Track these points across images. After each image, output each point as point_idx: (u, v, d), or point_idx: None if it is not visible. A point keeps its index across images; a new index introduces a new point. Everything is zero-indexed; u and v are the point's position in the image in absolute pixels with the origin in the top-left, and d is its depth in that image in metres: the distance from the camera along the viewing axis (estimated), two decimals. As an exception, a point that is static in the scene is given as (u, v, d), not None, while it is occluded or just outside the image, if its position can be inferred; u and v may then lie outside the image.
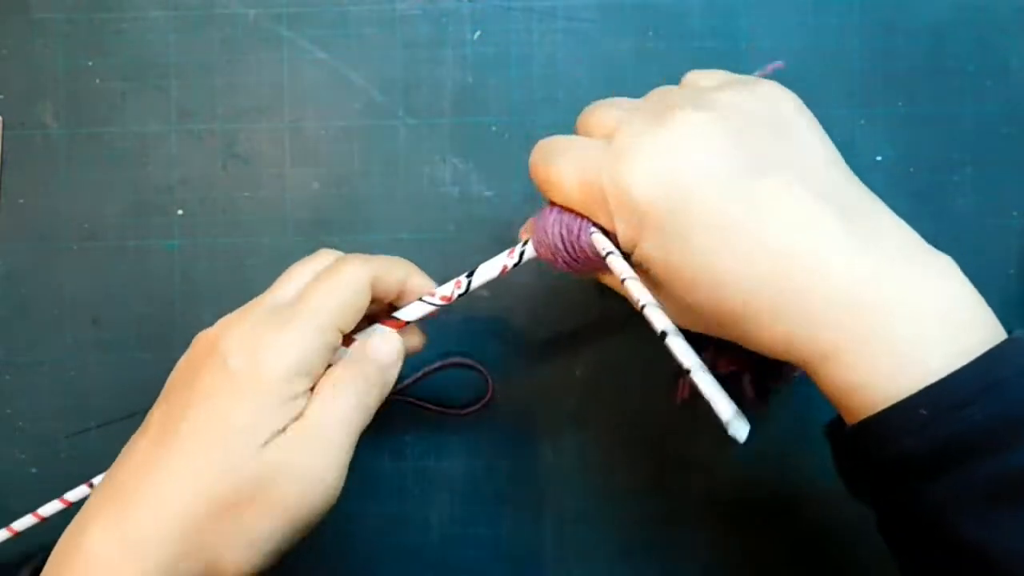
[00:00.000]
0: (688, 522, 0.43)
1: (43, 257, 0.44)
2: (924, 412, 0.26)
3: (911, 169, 0.44)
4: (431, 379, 0.42)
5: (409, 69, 0.44)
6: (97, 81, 0.44)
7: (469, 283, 0.35)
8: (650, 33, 0.44)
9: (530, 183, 0.34)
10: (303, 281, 0.34)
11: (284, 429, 0.31)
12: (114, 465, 0.32)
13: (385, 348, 0.34)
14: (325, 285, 0.33)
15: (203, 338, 0.34)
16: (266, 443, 0.30)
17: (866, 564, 0.42)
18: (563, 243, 0.33)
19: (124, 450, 0.33)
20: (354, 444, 0.32)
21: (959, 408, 0.26)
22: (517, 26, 0.44)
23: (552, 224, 0.33)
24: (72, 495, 0.40)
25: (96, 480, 0.38)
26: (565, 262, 0.33)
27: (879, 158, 0.44)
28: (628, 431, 0.44)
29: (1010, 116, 0.44)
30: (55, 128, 0.44)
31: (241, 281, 0.43)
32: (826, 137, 0.31)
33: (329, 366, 0.33)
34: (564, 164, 0.32)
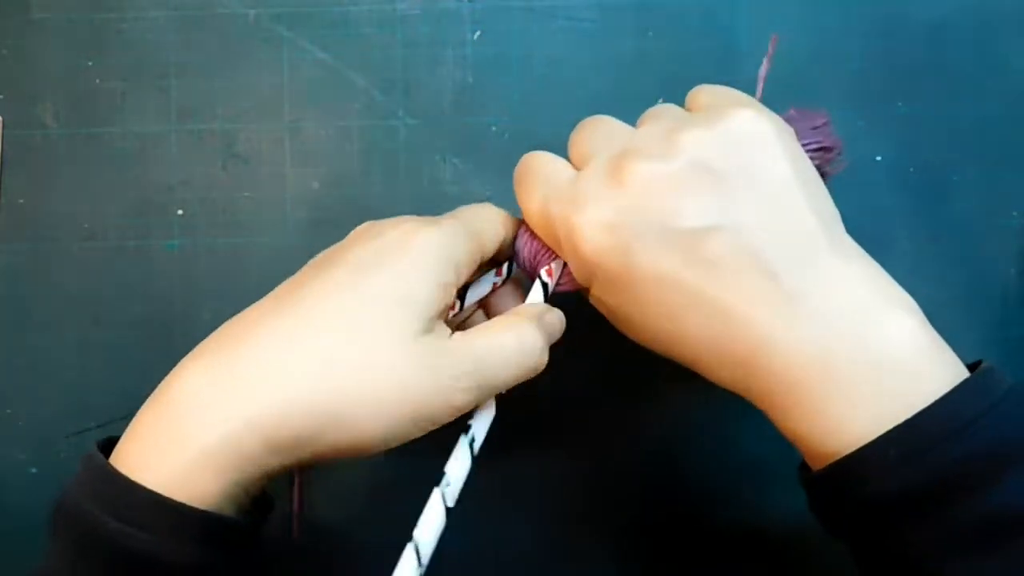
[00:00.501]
0: (689, 522, 0.43)
1: (43, 257, 0.44)
2: (892, 453, 0.26)
3: (911, 169, 0.44)
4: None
5: (409, 69, 0.44)
6: (97, 81, 0.44)
7: (461, 303, 0.35)
8: (650, 33, 0.44)
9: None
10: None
11: (431, 328, 0.30)
12: (228, 324, 0.31)
13: (557, 324, 0.34)
14: (470, 207, 0.35)
15: (357, 229, 0.34)
16: (416, 332, 0.29)
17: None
18: (528, 267, 0.35)
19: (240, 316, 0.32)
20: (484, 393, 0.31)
21: (928, 449, 0.26)
22: (517, 26, 0.44)
23: (523, 246, 0.35)
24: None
25: None
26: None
27: (879, 158, 0.44)
28: (628, 431, 0.44)
29: (1010, 116, 0.44)
30: (55, 128, 0.44)
31: (241, 281, 0.43)
32: (799, 169, 0.30)
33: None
34: (533, 192, 0.33)
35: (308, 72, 0.44)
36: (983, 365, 0.28)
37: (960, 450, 0.26)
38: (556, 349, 0.43)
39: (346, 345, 0.29)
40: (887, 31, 0.44)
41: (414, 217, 0.33)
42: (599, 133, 0.33)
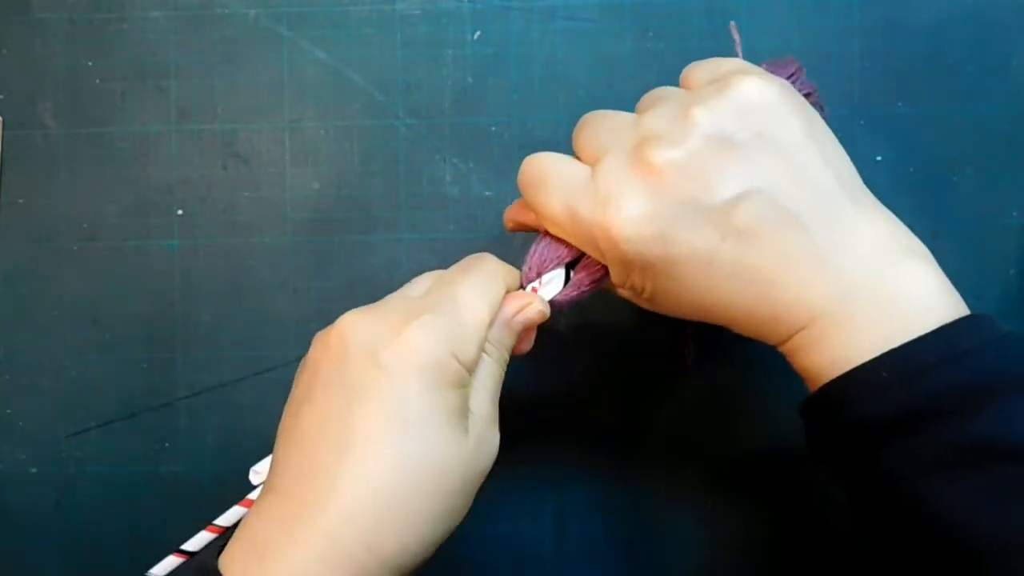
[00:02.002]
0: (689, 522, 0.43)
1: (43, 257, 0.44)
2: (885, 375, 0.28)
3: (911, 169, 0.44)
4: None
5: (409, 69, 0.44)
6: (97, 81, 0.44)
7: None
8: (650, 33, 0.44)
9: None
10: (430, 281, 0.34)
11: (457, 413, 0.30)
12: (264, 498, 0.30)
13: (534, 315, 0.34)
14: (463, 272, 0.33)
15: (325, 339, 0.31)
16: (444, 427, 0.29)
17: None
18: (535, 273, 0.35)
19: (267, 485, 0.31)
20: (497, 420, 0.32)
21: (919, 374, 0.27)
22: (517, 26, 0.44)
23: (538, 253, 0.35)
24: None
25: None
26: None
27: (879, 158, 0.44)
28: (628, 430, 0.44)
29: (1010, 116, 0.44)
30: (55, 128, 0.44)
31: (241, 281, 0.43)
32: (812, 125, 0.31)
33: None
34: (552, 197, 0.32)
35: (308, 72, 0.44)
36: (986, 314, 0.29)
37: (950, 377, 0.27)
38: (559, 348, 0.43)
39: (414, 485, 0.29)
40: (887, 31, 0.44)
41: (403, 315, 0.31)
42: (604, 127, 0.33)
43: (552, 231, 0.34)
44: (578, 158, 0.33)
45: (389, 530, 0.28)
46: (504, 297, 0.33)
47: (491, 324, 0.32)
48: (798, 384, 0.42)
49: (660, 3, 0.43)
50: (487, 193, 0.44)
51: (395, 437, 0.29)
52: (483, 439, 0.31)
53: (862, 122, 0.44)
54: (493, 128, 0.44)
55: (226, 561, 0.29)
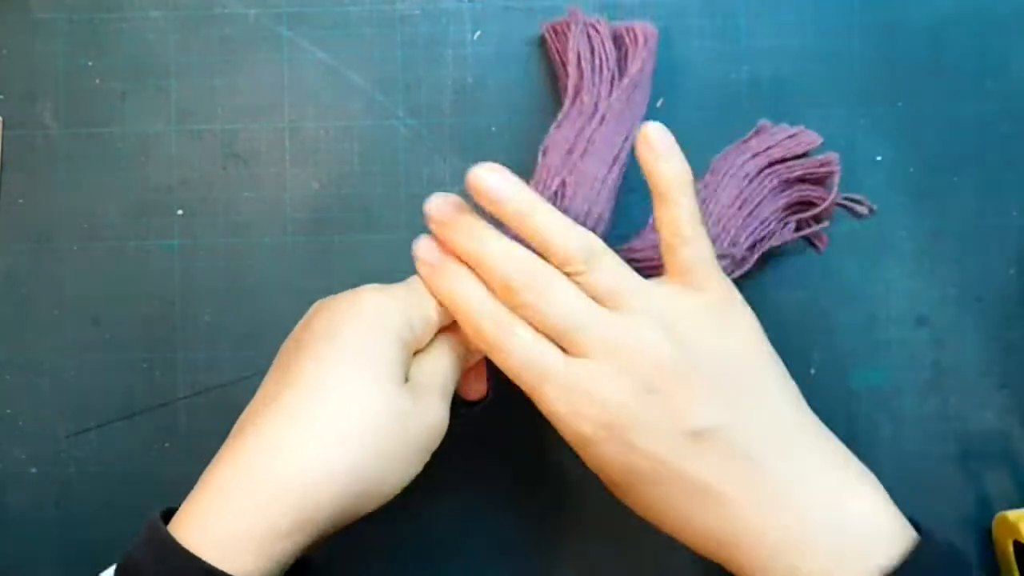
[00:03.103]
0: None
1: (43, 257, 0.44)
2: None
3: (911, 169, 0.44)
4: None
5: (409, 69, 0.44)
6: (97, 81, 0.44)
7: None
8: (650, 33, 0.44)
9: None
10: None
11: (400, 378, 0.32)
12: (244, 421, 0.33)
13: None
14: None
15: (312, 308, 0.35)
16: (377, 374, 0.32)
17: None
18: None
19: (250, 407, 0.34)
20: (448, 403, 0.34)
21: None
22: (517, 26, 0.44)
23: None
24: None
25: None
26: None
27: (879, 158, 0.44)
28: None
29: (1010, 116, 0.44)
30: (55, 128, 0.44)
31: (241, 281, 0.43)
32: (769, 356, 0.33)
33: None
34: (548, 398, 0.33)
35: (308, 72, 0.44)
36: (934, 537, 0.31)
37: None
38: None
39: (336, 410, 0.31)
40: (887, 31, 0.44)
41: (367, 286, 0.35)
42: (558, 307, 0.33)
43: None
44: (532, 322, 0.34)
45: (313, 456, 0.30)
46: None
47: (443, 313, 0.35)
48: (800, 386, 0.42)
49: (660, 3, 0.43)
50: (487, 193, 0.43)
51: (324, 375, 0.31)
52: (423, 406, 0.32)
53: (862, 122, 0.44)
54: (493, 128, 0.44)
55: (179, 518, 0.31)
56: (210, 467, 0.32)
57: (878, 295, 0.44)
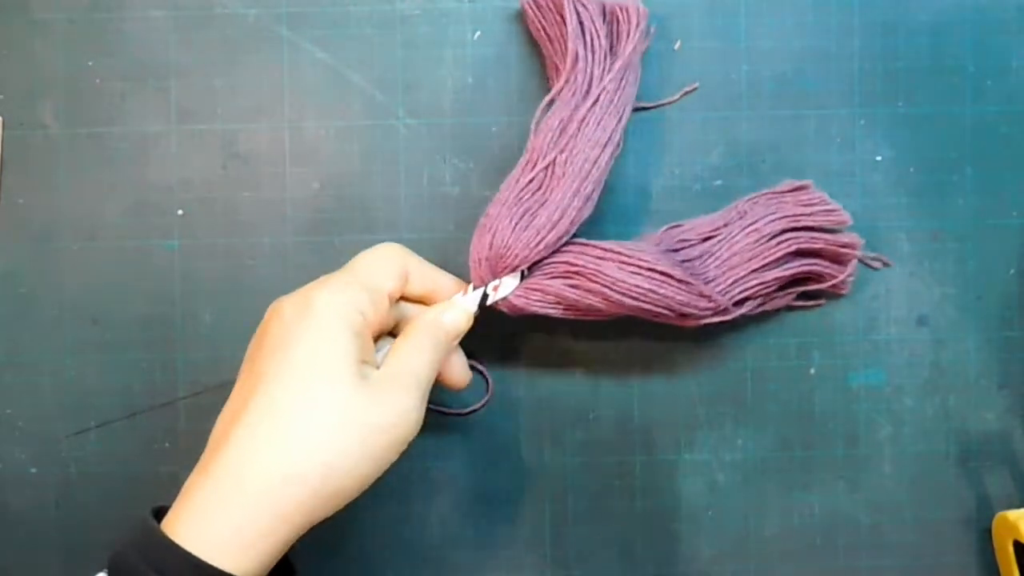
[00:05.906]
0: (688, 521, 0.43)
1: (43, 257, 0.44)
2: None
3: (911, 169, 0.44)
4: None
5: (409, 69, 0.44)
6: (97, 81, 0.44)
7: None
8: (650, 33, 0.44)
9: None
10: None
11: (361, 371, 0.33)
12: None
13: (454, 317, 0.38)
14: (364, 252, 0.38)
15: (268, 311, 0.36)
16: (349, 375, 0.33)
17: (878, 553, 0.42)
18: (482, 273, 0.39)
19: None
20: (426, 397, 0.35)
21: None
22: (517, 26, 0.44)
23: (483, 249, 0.39)
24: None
25: None
26: None
27: (879, 158, 0.44)
28: (628, 430, 0.44)
29: (1010, 116, 0.44)
30: (55, 128, 0.44)
31: (241, 281, 0.43)
32: None
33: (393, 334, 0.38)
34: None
35: (308, 72, 0.44)
36: None
37: None
38: (558, 349, 0.44)
39: (295, 417, 0.32)
40: (887, 31, 0.44)
41: (311, 283, 0.36)
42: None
43: None
44: None
45: (281, 461, 0.32)
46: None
47: (398, 287, 0.37)
48: (800, 386, 0.42)
49: (660, 3, 0.43)
50: (487, 193, 0.43)
51: (281, 384, 0.33)
52: (389, 399, 0.33)
53: (862, 122, 0.44)
54: (493, 128, 0.44)
55: (169, 518, 0.32)
56: (193, 473, 0.33)
57: (878, 295, 0.44)
